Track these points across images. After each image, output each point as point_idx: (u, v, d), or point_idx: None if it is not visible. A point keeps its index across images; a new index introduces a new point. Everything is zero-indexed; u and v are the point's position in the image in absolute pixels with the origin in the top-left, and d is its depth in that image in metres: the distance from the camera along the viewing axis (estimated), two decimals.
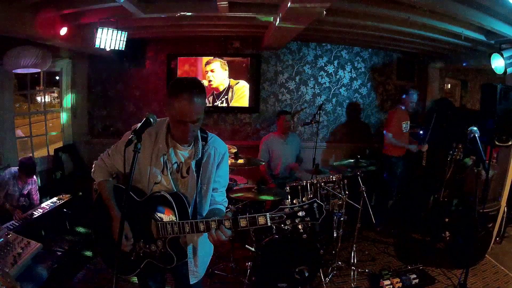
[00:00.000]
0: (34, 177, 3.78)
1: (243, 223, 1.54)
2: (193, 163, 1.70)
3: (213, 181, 1.78)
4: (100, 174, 1.82)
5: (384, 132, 4.53)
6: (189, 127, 1.57)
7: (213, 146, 1.77)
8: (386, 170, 4.57)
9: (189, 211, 1.66)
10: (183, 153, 1.73)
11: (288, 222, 1.52)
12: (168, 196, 1.64)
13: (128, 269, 1.74)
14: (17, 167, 3.63)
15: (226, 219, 1.56)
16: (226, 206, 1.88)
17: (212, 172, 1.76)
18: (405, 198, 4.70)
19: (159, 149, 1.70)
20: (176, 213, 1.63)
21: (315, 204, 1.53)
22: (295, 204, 1.57)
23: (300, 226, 1.62)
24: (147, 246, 1.68)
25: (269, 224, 1.52)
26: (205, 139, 1.76)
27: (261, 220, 1.52)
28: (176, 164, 1.73)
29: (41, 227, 3.47)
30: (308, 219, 1.53)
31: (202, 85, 1.62)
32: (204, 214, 1.76)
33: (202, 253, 1.81)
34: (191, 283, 1.79)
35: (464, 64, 4.54)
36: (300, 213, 1.53)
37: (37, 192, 3.86)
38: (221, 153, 1.79)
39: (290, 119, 4.57)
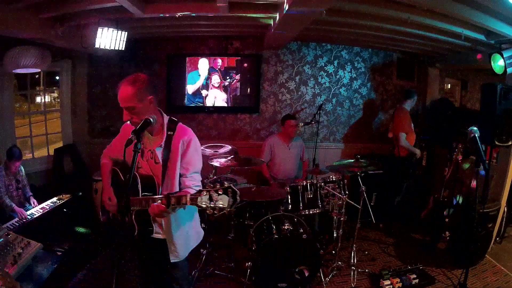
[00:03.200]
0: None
1: (172, 200, 1.71)
2: (158, 150, 1.94)
3: (180, 167, 1.95)
4: (104, 157, 2.22)
5: (399, 133, 4.41)
6: (125, 112, 1.85)
7: (178, 135, 1.95)
8: (399, 171, 4.49)
9: (158, 192, 1.91)
10: (154, 142, 1.98)
11: (203, 204, 1.61)
12: (137, 176, 1.90)
13: (115, 235, 2.07)
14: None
15: (162, 197, 1.74)
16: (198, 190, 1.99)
17: (177, 159, 1.93)
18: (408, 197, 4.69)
19: None
20: (140, 191, 1.87)
21: (230, 190, 1.62)
22: (216, 187, 1.65)
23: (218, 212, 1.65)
24: (123, 217, 1.83)
25: (188, 203, 1.66)
26: (172, 129, 1.97)
27: (183, 200, 1.68)
28: (150, 151, 1.99)
29: (41, 227, 3.47)
30: (221, 204, 1.60)
31: (134, 78, 1.86)
32: None
33: (178, 233, 2.00)
34: (171, 261, 2.01)
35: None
36: (214, 196, 1.60)
37: (26, 178, 3.90)
38: (185, 141, 1.95)
39: (296, 123, 4.37)
